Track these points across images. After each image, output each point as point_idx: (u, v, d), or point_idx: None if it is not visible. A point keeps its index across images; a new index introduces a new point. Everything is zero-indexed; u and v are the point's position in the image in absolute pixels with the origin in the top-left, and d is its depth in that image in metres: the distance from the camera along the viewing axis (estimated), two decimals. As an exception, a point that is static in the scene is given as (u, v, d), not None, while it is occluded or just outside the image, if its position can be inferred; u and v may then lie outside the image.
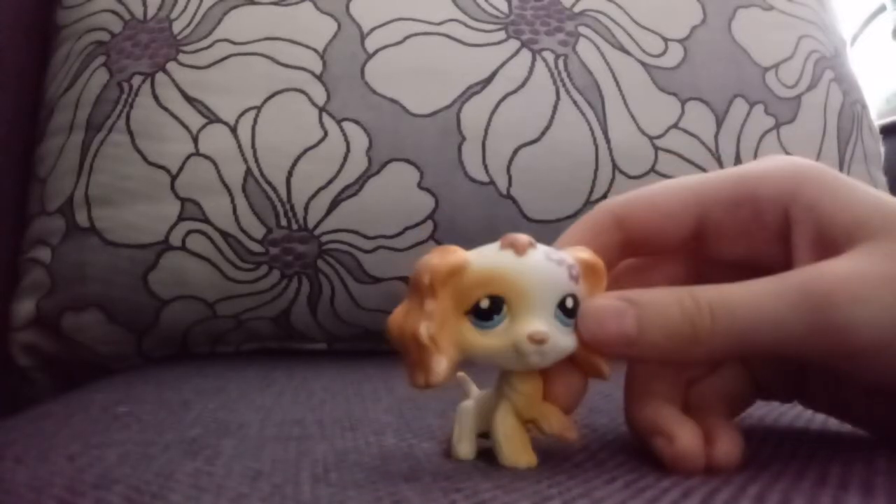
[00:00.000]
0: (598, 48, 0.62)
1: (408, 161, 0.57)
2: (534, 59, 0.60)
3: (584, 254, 0.25)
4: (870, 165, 0.69)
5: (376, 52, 0.59)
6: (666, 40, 0.64)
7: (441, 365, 0.23)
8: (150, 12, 0.61)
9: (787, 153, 0.63)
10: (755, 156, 0.62)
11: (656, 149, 0.60)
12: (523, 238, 0.24)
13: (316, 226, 0.56)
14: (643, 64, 0.62)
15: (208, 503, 0.22)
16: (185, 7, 0.61)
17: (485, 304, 0.24)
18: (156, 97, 0.58)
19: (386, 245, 0.57)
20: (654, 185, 0.28)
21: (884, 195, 0.25)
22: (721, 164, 0.61)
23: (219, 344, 0.61)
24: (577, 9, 0.63)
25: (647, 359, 0.26)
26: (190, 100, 0.58)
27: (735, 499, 0.22)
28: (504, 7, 0.63)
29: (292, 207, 0.56)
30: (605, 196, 0.59)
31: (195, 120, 0.57)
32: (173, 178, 0.56)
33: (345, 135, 0.57)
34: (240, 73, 0.58)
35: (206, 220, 0.56)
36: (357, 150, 0.57)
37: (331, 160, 0.57)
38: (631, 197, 0.28)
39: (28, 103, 0.64)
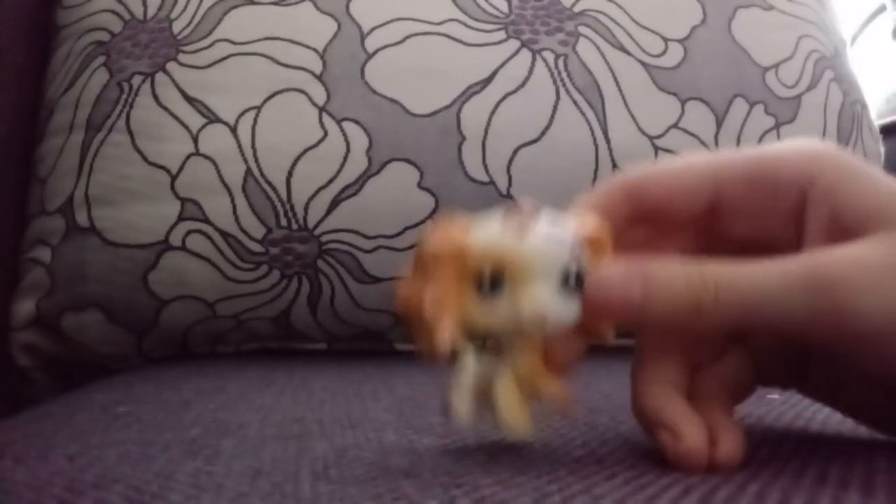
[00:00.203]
0: (598, 48, 0.62)
1: (408, 161, 0.57)
2: (534, 59, 0.60)
3: (589, 226, 0.26)
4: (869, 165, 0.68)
5: (376, 51, 0.59)
6: (666, 40, 0.64)
7: (445, 333, 0.24)
8: (150, 12, 0.61)
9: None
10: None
11: (656, 149, 0.60)
12: (525, 211, 0.24)
13: (316, 226, 0.56)
14: (643, 64, 0.62)
15: (208, 503, 0.22)
16: (185, 7, 0.61)
17: (486, 278, 0.24)
18: (156, 97, 0.58)
19: (386, 245, 0.57)
20: (671, 159, 0.28)
21: None
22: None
23: (219, 344, 0.61)
24: (577, 9, 0.63)
25: (651, 326, 0.27)
26: (190, 100, 0.58)
27: (735, 497, 0.22)
28: (504, 7, 0.63)
29: (292, 207, 0.56)
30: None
31: (195, 120, 0.57)
32: (173, 178, 0.56)
33: (345, 135, 0.57)
34: (240, 73, 0.58)
35: (206, 220, 0.56)
36: (357, 150, 0.57)
37: (331, 160, 0.57)
38: (647, 170, 0.28)
39: (28, 103, 0.64)
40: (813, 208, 0.26)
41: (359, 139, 0.57)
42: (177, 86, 0.58)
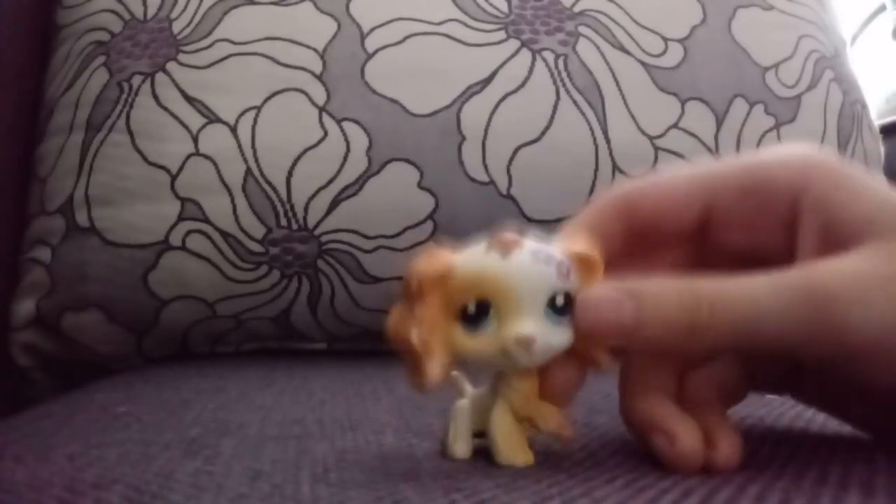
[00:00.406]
0: (598, 48, 0.62)
1: (408, 161, 0.57)
2: (534, 59, 0.60)
3: (578, 246, 0.25)
4: (870, 165, 0.69)
5: (376, 51, 0.59)
6: (666, 40, 0.64)
7: (434, 369, 0.23)
8: (150, 12, 0.61)
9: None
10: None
11: (656, 149, 0.60)
12: (508, 237, 0.24)
13: (316, 226, 0.56)
14: (643, 64, 0.62)
15: (208, 503, 0.22)
16: (185, 7, 0.61)
17: (472, 308, 0.24)
18: (156, 97, 0.58)
19: (386, 245, 0.57)
20: (662, 172, 0.28)
21: (894, 193, 0.25)
22: (721, 164, 0.61)
23: (219, 344, 0.61)
24: (577, 8, 0.63)
25: (645, 350, 0.26)
26: (190, 100, 0.58)
27: (735, 498, 0.22)
28: (504, 7, 0.63)
29: (292, 207, 0.56)
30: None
31: (195, 120, 0.57)
32: (173, 177, 0.56)
33: (345, 135, 0.57)
34: (240, 73, 0.58)
35: (206, 220, 0.56)
36: (357, 149, 0.57)
37: (331, 160, 0.57)
38: (638, 184, 0.28)
39: (28, 103, 0.64)
40: (805, 217, 0.25)
41: (359, 139, 0.57)
42: (177, 86, 0.58)
